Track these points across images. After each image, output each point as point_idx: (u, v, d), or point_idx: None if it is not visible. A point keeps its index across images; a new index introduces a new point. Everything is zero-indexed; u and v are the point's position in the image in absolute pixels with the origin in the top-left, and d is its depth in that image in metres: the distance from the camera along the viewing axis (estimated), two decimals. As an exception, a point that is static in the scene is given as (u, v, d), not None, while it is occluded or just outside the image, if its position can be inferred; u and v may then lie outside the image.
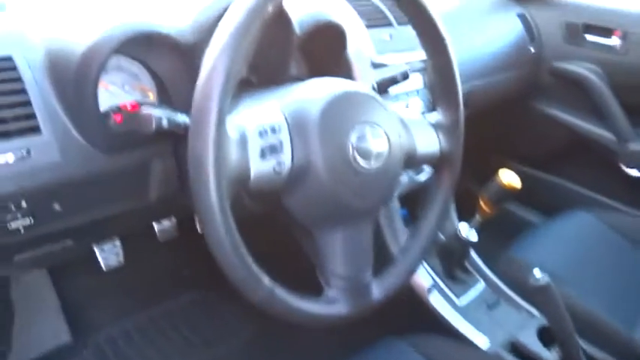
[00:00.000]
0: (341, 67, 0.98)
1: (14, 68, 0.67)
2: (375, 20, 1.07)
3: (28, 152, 0.65)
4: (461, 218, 1.10)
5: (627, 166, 1.55)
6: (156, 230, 1.09)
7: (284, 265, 0.95)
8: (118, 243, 1.08)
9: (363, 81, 0.91)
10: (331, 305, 0.69)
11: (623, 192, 1.61)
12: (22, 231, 0.68)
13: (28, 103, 0.67)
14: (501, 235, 1.40)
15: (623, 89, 1.54)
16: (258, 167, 0.61)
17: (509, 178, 1.00)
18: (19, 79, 0.67)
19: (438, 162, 0.82)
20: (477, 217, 1.07)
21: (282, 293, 0.63)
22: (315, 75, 0.95)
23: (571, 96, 1.67)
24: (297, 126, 0.64)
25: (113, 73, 0.75)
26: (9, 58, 0.67)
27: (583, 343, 0.93)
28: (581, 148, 1.70)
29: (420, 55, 1.06)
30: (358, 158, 0.66)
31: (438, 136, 0.80)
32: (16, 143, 0.65)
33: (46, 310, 1.30)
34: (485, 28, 1.54)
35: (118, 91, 0.75)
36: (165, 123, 0.62)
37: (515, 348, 1.04)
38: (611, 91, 1.56)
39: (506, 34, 1.58)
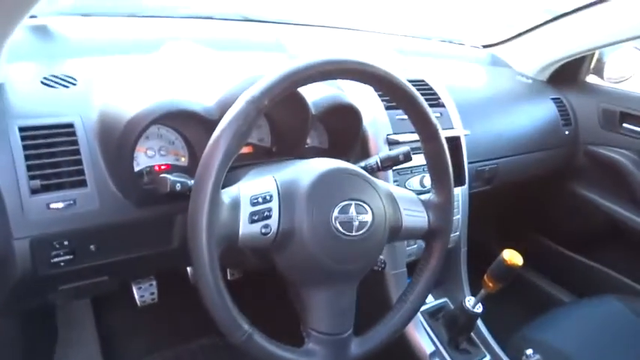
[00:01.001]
0: (357, 141, 1.09)
1: (74, 133, 0.83)
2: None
3: (74, 201, 0.81)
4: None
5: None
6: (189, 273, 1.21)
7: (276, 315, 1.02)
8: (154, 282, 1.22)
9: (376, 155, 1.00)
10: (308, 356, 0.76)
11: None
12: (63, 264, 0.82)
13: (80, 162, 0.82)
14: (527, 310, 1.41)
15: None
16: (247, 229, 0.71)
17: (510, 256, 1.04)
18: (76, 142, 0.82)
19: (427, 236, 0.89)
20: (482, 291, 1.11)
21: (260, 338, 0.72)
22: (335, 145, 1.07)
23: (606, 179, 1.69)
24: (287, 196, 0.74)
25: (153, 139, 0.90)
26: (71, 125, 0.83)
27: None
28: (614, 232, 1.69)
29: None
30: (340, 228, 0.74)
31: (427, 213, 0.88)
32: (66, 194, 0.80)
33: (85, 338, 1.43)
34: (516, 108, 1.61)
35: (155, 154, 0.90)
36: (178, 186, 0.74)
37: None
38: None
39: (539, 115, 1.64)
